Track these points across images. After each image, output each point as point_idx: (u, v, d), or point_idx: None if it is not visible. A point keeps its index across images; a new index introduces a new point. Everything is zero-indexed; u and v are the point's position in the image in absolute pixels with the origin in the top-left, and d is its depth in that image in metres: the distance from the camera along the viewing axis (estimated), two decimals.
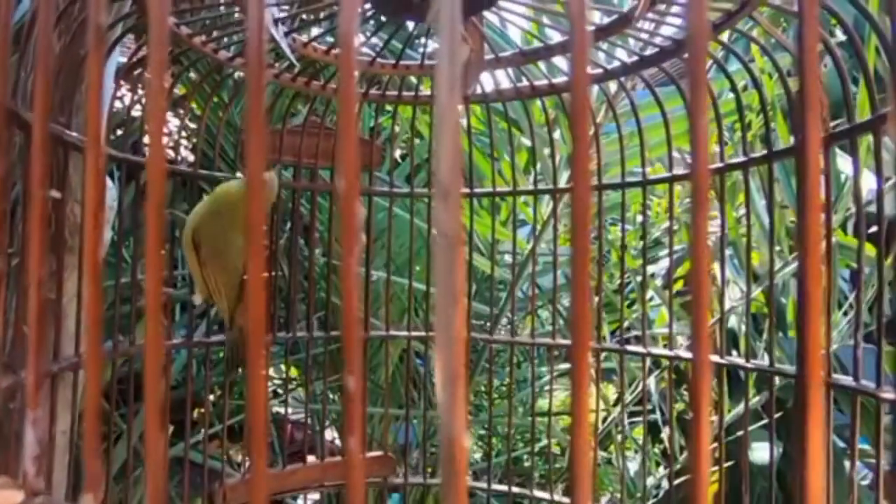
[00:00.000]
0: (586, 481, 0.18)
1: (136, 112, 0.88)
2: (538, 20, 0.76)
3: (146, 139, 0.88)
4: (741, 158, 0.64)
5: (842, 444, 1.33)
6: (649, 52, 0.63)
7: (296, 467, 0.78)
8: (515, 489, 0.81)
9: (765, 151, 0.62)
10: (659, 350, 0.75)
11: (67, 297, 0.70)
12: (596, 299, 1.31)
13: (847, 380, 0.54)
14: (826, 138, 0.56)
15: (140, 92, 0.74)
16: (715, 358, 0.69)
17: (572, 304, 0.18)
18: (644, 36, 0.61)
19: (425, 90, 0.79)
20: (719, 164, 0.66)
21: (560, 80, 0.71)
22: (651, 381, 1.28)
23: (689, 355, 0.72)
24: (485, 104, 0.79)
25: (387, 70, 0.70)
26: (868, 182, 0.80)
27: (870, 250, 0.79)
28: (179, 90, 1.01)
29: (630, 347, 0.77)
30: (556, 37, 0.67)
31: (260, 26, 0.19)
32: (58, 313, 0.65)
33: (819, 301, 0.21)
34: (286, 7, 0.58)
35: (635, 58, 0.65)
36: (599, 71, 0.68)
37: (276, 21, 0.55)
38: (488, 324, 1.19)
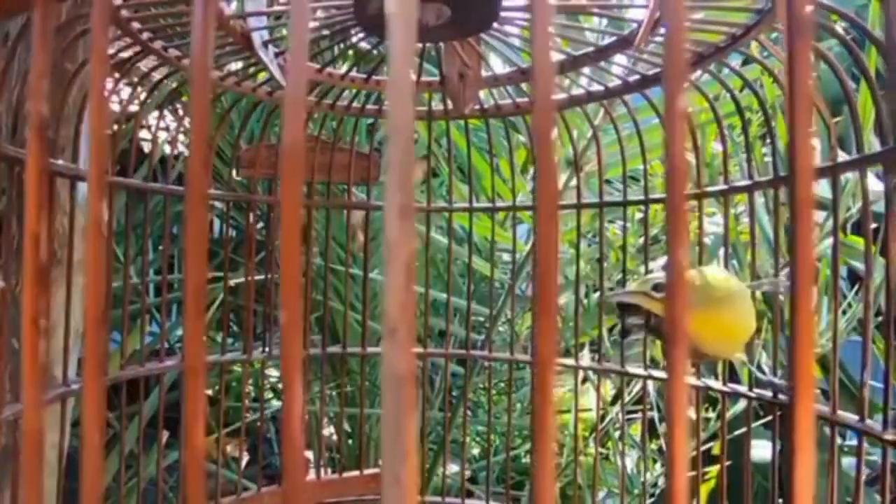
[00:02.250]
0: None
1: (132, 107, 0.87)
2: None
3: (141, 134, 0.87)
4: (746, 182, 0.63)
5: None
6: (635, 77, 0.63)
7: None
8: None
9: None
10: (634, 369, 0.75)
11: (56, 311, 0.69)
12: (596, 295, 1.31)
13: (852, 419, 0.52)
14: (833, 168, 0.54)
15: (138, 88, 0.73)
16: (690, 380, 0.68)
17: (535, 324, 0.17)
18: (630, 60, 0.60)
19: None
20: (723, 187, 0.65)
21: (560, 96, 0.70)
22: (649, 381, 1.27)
23: (662, 374, 0.73)
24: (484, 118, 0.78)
25: (357, 85, 0.68)
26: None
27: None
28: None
29: (607, 365, 0.76)
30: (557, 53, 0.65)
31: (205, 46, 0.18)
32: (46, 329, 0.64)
33: (812, 335, 0.20)
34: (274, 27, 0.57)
35: (619, 82, 0.64)
36: (583, 93, 0.68)
37: (264, 44, 0.54)
38: (486, 323, 1.19)
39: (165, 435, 1.19)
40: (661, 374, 0.73)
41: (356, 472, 0.82)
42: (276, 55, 0.56)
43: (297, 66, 0.18)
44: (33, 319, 0.20)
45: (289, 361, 0.18)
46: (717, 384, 0.67)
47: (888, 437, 0.49)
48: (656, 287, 0.63)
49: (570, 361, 0.80)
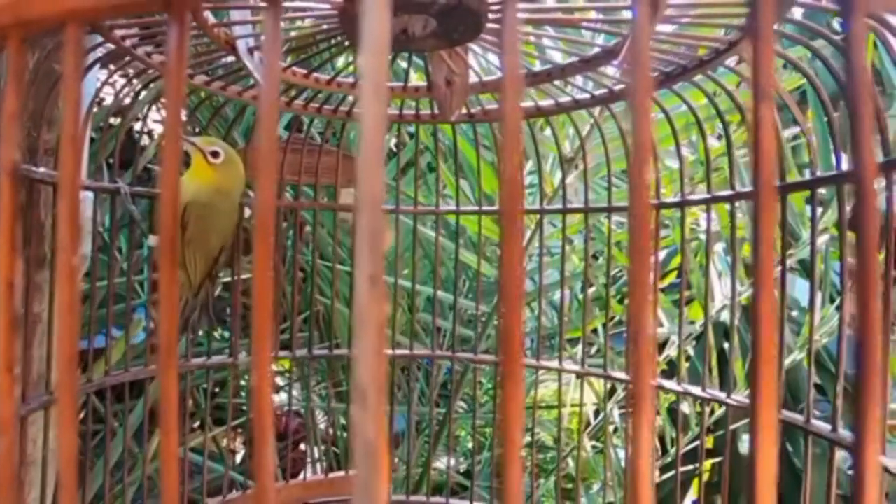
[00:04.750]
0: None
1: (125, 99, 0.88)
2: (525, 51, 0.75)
3: (137, 126, 0.86)
4: (728, 192, 0.63)
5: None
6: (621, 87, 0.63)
7: (278, 486, 0.78)
8: None
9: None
10: (618, 374, 0.77)
11: (41, 309, 0.68)
12: (590, 291, 1.31)
13: (798, 418, 0.53)
14: (811, 182, 0.54)
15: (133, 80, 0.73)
16: (672, 384, 0.69)
17: (502, 324, 0.17)
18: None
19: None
20: (706, 196, 0.66)
21: (547, 102, 0.70)
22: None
23: (619, 375, 0.74)
24: (471, 123, 0.78)
25: (345, 89, 0.69)
26: None
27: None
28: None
29: (591, 369, 0.78)
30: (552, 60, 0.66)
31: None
32: (28, 336, 0.63)
33: (773, 346, 0.20)
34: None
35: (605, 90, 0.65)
36: (569, 100, 0.69)
37: (249, 50, 0.54)
38: (481, 317, 1.19)
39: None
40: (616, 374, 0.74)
41: (342, 473, 0.82)
42: (262, 61, 0.56)
43: (271, 74, 0.18)
44: (8, 368, 0.20)
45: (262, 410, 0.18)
46: (696, 390, 0.67)
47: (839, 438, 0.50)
48: (214, 154, 0.73)
49: (553, 364, 0.80)
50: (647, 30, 0.18)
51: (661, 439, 1.37)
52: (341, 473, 0.83)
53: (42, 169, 0.59)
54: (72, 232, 0.17)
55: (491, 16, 0.49)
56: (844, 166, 0.56)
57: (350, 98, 0.74)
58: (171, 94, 0.18)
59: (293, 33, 0.59)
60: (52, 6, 0.19)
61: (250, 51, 0.54)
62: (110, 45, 0.58)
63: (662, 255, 1.41)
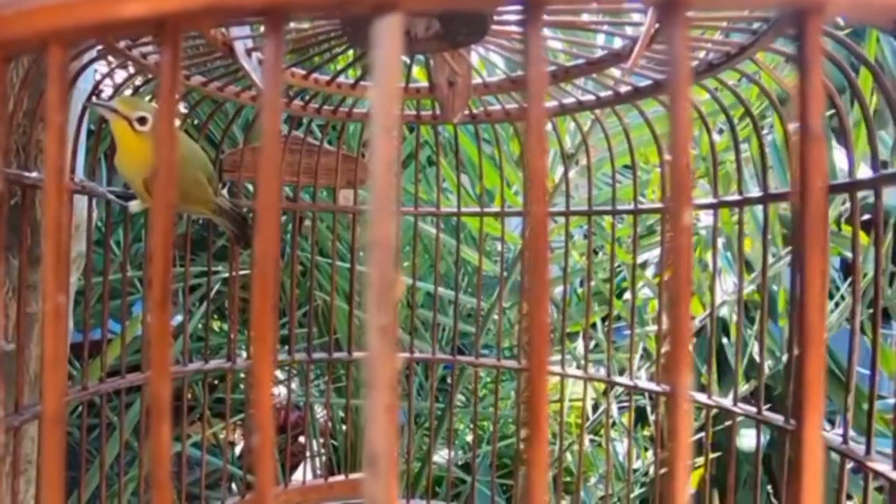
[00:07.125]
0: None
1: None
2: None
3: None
4: (736, 197, 0.62)
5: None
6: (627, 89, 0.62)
7: (277, 491, 0.77)
8: None
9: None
10: (621, 379, 0.76)
11: (36, 309, 0.67)
12: (592, 284, 1.30)
13: (835, 440, 0.52)
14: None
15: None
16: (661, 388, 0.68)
17: (530, 330, 0.16)
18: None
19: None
20: (713, 200, 0.65)
21: (551, 104, 0.69)
22: (642, 372, 1.28)
23: (648, 385, 0.73)
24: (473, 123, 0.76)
25: (345, 91, 0.68)
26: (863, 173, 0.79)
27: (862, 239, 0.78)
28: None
29: (592, 373, 0.77)
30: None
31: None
32: (23, 338, 0.62)
33: (822, 356, 0.19)
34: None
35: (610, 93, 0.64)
36: (573, 101, 0.68)
37: (248, 51, 0.53)
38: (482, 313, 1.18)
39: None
40: (646, 385, 0.74)
41: (341, 477, 0.81)
42: (260, 63, 0.54)
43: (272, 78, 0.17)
44: None
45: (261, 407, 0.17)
46: (702, 397, 0.66)
47: (870, 463, 0.48)
48: (141, 120, 0.63)
49: (555, 368, 0.79)
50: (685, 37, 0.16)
51: (661, 433, 1.37)
52: (341, 477, 0.82)
53: (35, 174, 0.57)
54: (57, 275, 0.16)
55: (496, 17, 0.48)
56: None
57: (350, 99, 0.73)
58: (162, 129, 0.17)
59: (293, 34, 0.58)
60: (32, 26, 0.18)
61: (248, 52, 0.53)
62: None
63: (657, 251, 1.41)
